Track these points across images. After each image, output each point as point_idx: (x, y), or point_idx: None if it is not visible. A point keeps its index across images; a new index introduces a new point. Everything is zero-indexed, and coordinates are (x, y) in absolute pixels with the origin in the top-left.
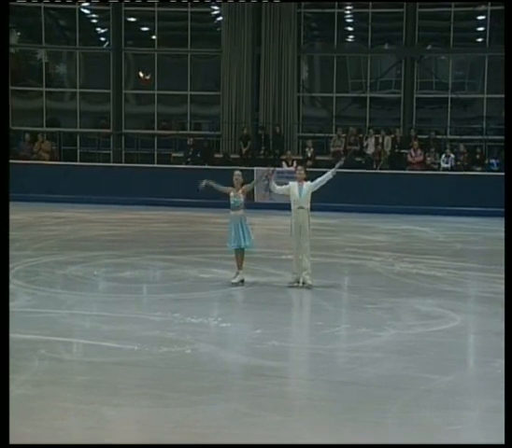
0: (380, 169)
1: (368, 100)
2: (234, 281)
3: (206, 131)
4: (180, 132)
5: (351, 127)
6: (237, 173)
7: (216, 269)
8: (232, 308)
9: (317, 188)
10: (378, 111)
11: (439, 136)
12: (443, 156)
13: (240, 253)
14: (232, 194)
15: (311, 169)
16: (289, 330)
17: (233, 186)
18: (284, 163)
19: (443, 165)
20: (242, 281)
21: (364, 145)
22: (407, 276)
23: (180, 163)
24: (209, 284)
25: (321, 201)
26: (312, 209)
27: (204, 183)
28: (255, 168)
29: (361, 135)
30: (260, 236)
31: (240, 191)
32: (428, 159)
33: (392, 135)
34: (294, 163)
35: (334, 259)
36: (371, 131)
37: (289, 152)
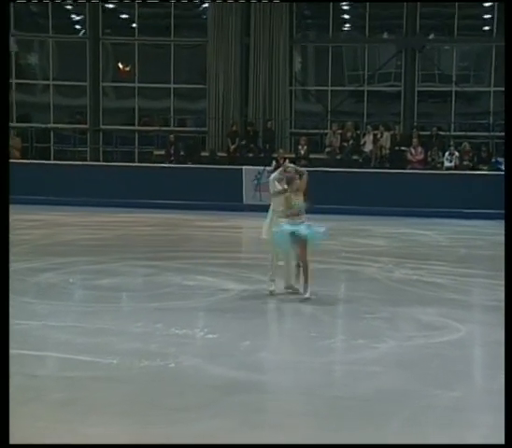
0: (379, 168)
1: (366, 94)
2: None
3: (191, 127)
4: (163, 128)
5: (348, 123)
6: (291, 166)
7: (201, 276)
8: (219, 318)
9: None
10: (377, 106)
11: (442, 133)
12: (446, 154)
13: (304, 248)
14: (286, 195)
15: (305, 168)
16: (280, 342)
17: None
18: (275, 162)
19: (446, 164)
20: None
21: (362, 142)
22: (408, 283)
23: (163, 162)
24: (195, 292)
25: (315, 202)
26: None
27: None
28: (244, 167)
29: (358, 132)
30: (250, 241)
31: (298, 190)
32: (430, 157)
33: (392, 132)
34: (286, 162)
35: (328, 264)
36: (369, 127)
37: (281, 150)
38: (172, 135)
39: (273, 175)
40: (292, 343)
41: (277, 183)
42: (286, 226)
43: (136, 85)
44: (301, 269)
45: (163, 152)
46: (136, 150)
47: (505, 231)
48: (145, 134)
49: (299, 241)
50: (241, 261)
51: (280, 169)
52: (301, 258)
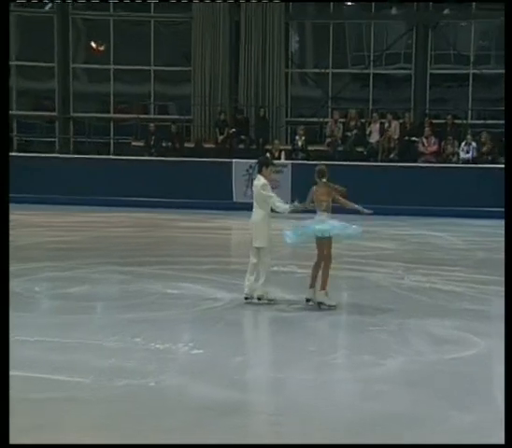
0: (386, 161)
1: (372, 77)
2: (310, 302)
3: (174, 115)
4: (142, 116)
5: (351, 110)
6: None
7: (186, 283)
8: (205, 331)
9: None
10: (384, 91)
11: (458, 121)
12: (462, 145)
13: (329, 244)
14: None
15: (303, 161)
16: (275, 358)
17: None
18: (269, 155)
19: (462, 156)
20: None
21: (367, 132)
22: (419, 292)
23: (142, 154)
24: (178, 301)
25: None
26: (296, 210)
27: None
28: (234, 160)
29: (362, 120)
30: (241, 243)
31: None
32: (444, 149)
33: (401, 120)
34: (282, 155)
35: (332, 271)
36: (375, 115)
37: (276, 142)
38: (152, 124)
39: (258, 183)
40: (289, 358)
41: (265, 192)
42: (315, 225)
43: (112, 67)
44: (319, 273)
45: (142, 143)
46: (112, 141)
47: (505, 231)
48: (121, 123)
49: (325, 241)
50: (231, 267)
51: (269, 169)
52: (325, 259)
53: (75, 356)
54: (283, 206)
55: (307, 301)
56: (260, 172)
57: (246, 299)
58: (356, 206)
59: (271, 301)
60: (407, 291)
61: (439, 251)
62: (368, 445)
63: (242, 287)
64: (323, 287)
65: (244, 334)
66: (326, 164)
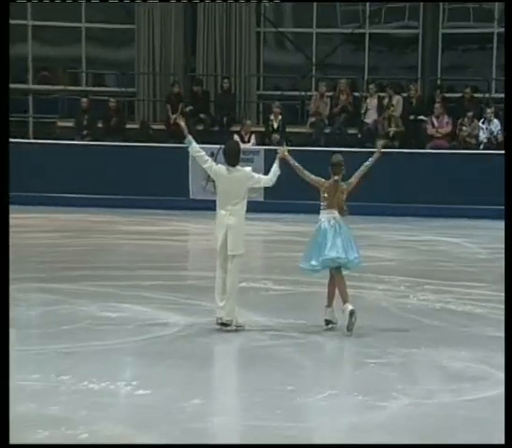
0: (386, 147)
1: (367, 39)
2: (330, 324)
3: (113, 86)
4: (71, 87)
5: (341, 81)
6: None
7: (128, 304)
8: (154, 366)
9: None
10: (384, 56)
11: (478, 94)
12: (481, 123)
13: (339, 274)
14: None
15: (279, 147)
16: (243, 400)
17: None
18: (237, 138)
19: (482, 138)
20: (352, 318)
21: (362, 109)
22: (429, 314)
23: (72, 138)
24: (118, 327)
25: (297, 198)
26: (275, 210)
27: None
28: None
29: (356, 94)
30: (199, 253)
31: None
32: (460, 130)
33: (405, 94)
34: (252, 138)
35: (316, 287)
36: (372, 87)
37: (248, 122)
38: (85, 99)
39: (240, 174)
40: (262, 401)
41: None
42: (330, 252)
43: (29, 23)
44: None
45: (71, 124)
46: (31, 120)
47: (505, 231)
48: (44, 97)
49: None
50: (186, 283)
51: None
52: (338, 285)
53: None
54: (275, 172)
55: (327, 323)
56: (236, 162)
57: (223, 325)
58: (369, 160)
59: (239, 328)
60: (414, 314)
61: (454, 262)
62: (368, 445)
63: (204, 308)
64: (345, 300)
65: (203, 370)
66: (307, 150)
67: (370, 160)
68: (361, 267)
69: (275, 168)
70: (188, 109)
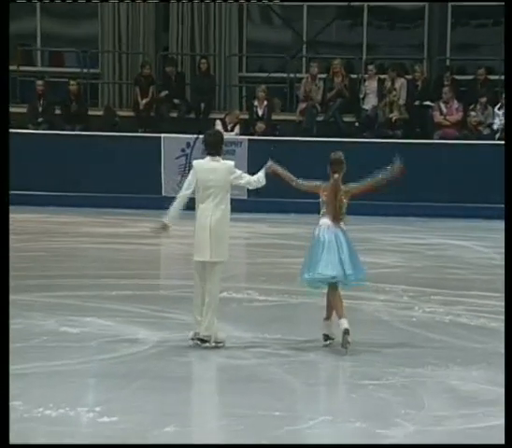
0: (387, 137)
1: (366, 12)
2: (328, 340)
3: (74, 67)
4: (24, 68)
5: (336, 61)
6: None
7: (91, 317)
8: (120, 389)
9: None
10: (384, 33)
11: (493, 76)
12: (497, 108)
13: (335, 291)
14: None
15: (264, 137)
16: (223, 428)
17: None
18: (220, 125)
19: (496, 126)
20: (345, 337)
21: (360, 94)
22: (436, 328)
23: (25, 126)
24: (80, 345)
25: (289, 196)
26: (260, 210)
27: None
28: (162, 135)
29: (352, 76)
30: (173, 259)
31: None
32: (471, 116)
33: (409, 76)
34: (236, 127)
35: (308, 297)
36: (371, 68)
37: (237, 111)
38: (40, 81)
39: (221, 165)
40: (244, 428)
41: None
42: (324, 270)
43: None
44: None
45: (24, 110)
46: None
47: (506, 231)
48: None
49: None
50: (158, 293)
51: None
52: (333, 300)
53: None
54: (260, 179)
55: (326, 339)
56: (218, 151)
57: (201, 341)
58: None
59: (219, 344)
60: (419, 328)
61: (464, 269)
62: (368, 445)
63: (178, 322)
64: (340, 315)
65: (178, 393)
66: (297, 141)
67: (383, 174)
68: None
69: (260, 176)
70: (161, 94)
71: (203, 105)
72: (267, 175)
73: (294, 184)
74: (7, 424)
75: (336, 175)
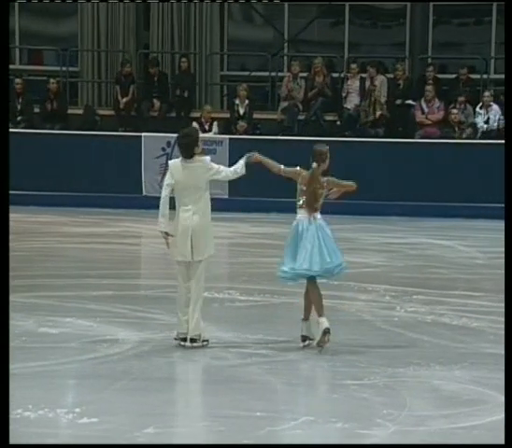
0: (369, 136)
1: (347, 11)
2: (307, 341)
3: (53, 66)
4: None
5: (317, 60)
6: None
7: (70, 317)
8: (101, 390)
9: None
10: (366, 31)
11: (474, 75)
12: (478, 108)
13: (314, 285)
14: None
15: (245, 136)
16: (204, 429)
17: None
18: (196, 125)
19: (480, 125)
20: (325, 337)
21: (342, 93)
22: (418, 328)
23: None
24: (59, 346)
25: (267, 195)
26: (242, 209)
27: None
28: (143, 135)
29: (334, 75)
30: (154, 258)
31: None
32: (454, 115)
33: (391, 75)
34: (214, 126)
35: (288, 297)
36: (353, 66)
37: (208, 107)
38: (19, 80)
39: (196, 164)
40: (226, 429)
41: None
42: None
43: None
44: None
45: None
46: None
47: (505, 231)
48: None
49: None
50: (139, 293)
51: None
52: (313, 296)
53: None
54: (238, 169)
55: (304, 339)
56: (190, 154)
57: (192, 341)
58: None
59: (204, 343)
60: (401, 328)
61: (447, 268)
62: (350, 445)
63: (159, 322)
64: (320, 314)
65: (159, 394)
66: (278, 140)
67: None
68: (343, 275)
69: (239, 166)
70: (141, 93)
71: (183, 103)
72: (248, 165)
73: (277, 170)
74: (7, 424)
75: (315, 164)
